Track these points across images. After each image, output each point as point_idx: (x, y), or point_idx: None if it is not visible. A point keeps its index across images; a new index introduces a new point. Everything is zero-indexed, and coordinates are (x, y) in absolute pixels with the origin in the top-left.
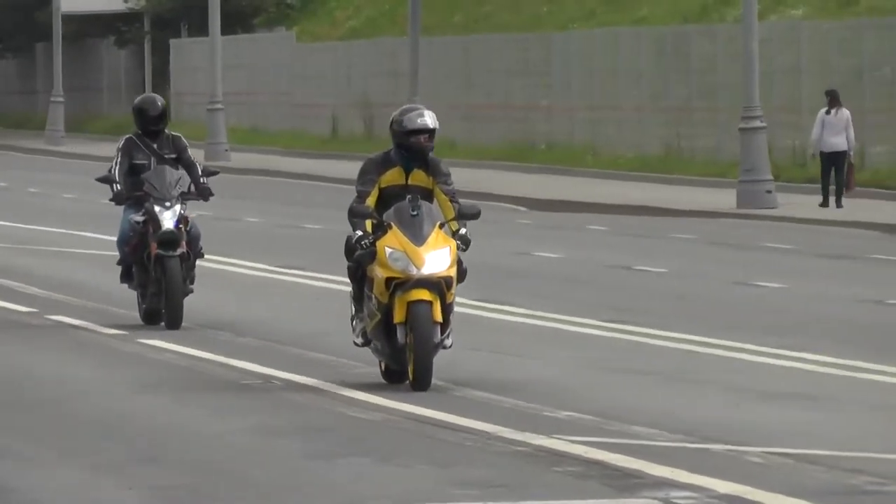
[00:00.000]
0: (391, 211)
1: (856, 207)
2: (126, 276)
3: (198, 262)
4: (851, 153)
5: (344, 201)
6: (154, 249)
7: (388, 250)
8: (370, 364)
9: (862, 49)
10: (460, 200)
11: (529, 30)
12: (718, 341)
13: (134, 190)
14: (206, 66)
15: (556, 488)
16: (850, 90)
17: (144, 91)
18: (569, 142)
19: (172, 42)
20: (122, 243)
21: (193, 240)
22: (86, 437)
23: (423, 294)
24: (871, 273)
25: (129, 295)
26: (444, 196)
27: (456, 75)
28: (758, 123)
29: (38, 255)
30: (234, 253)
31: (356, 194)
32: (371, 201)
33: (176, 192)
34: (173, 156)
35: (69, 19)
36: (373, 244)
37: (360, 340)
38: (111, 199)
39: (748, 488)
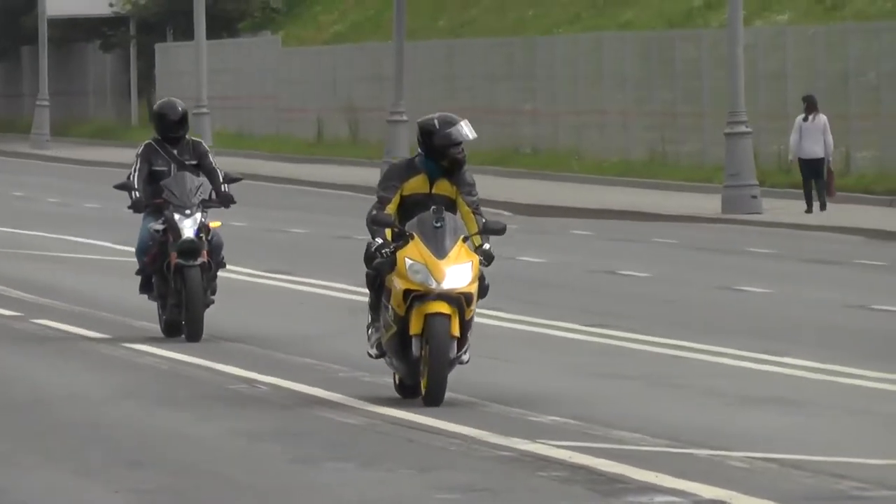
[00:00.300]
0: (414, 221)
1: (841, 213)
2: (145, 287)
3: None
4: (830, 159)
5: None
6: (174, 259)
7: (408, 261)
8: (354, 368)
9: (847, 54)
10: (484, 214)
11: (514, 34)
12: (702, 346)
13: (153, 197)
14: (192, 70)
15: (540, 493)
16: (836, 95)
17: (129, 96)
18: (553, 146)
19: (158, 46)
20: (140, 253)
21: (215, 249)
22: (71, 441)
23: (442, 307)
24: (855, 278)
25: (114, 298)
26: (466, 208)
27: (440, 80)
28: (743, 128)
29: (23, 259)
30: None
31: (377, 199)
32: (392, 208)
33: (196, 200)
34: (194, 162)
35: (55, 23)
36: (393, 253)
37: (374, 352)
38: (129, 207)
39: (732, 493)
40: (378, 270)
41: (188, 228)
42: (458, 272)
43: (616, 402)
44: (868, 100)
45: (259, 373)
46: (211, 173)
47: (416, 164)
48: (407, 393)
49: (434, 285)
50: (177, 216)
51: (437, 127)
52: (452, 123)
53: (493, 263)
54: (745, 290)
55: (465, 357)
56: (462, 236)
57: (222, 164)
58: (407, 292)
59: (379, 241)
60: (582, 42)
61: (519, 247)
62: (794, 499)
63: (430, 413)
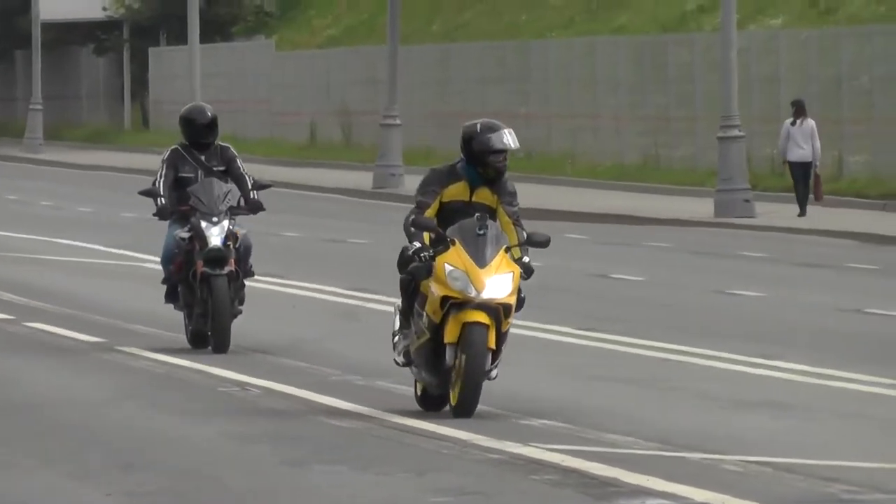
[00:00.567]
0: (455, 227)
1: (833, 216)
2: (171, 296)
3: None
4: (817, 163)
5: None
6: (200, 268)
7: (447, 267)
8: (347, 372)
9: (840, 58)
10: (525, 224)
11: (508, 38)
12: (695, 349)
13: (179, 204)
14: (185, 74)
15: (532, 496)
16: (829, 99)
17: (123, 100)
18: (547, 150)
19: (151, 50)
20: (166, 261)
21: (243, 258)
22: (64, 444)
23: (481, 317)
24: (848, 282)
25: (107, 301)
26: (507, 218)
27: (434, 83)
28: (736, 132)
29: (16, 262)
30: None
31: (415, 204)
32: (430, 214)
33: (224, 207)
34: (222, 168)
35: (48, 27)
36: (432, 258)
37: (401, 360)
38: (155, 214)
39: (725, 497)
40: (413, 275)
41: (215, 237)
42: (498, 282)
43: (609, 405)
44: (861, 104)
45: (252, 376)
46: (239, 179)
47: (458, 171)
48: (430, 405)
49: (473, 294)
50: (203, 224)
51: (479, 132)
52: (494, 130)
53: None
54: (738, 294)
55: (493, 372)
56: (504, 246)
57: None
58: (445, 299)
59: (417, 244)
60: (575, 46)
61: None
62: (786, 502)
63: (423, 416)
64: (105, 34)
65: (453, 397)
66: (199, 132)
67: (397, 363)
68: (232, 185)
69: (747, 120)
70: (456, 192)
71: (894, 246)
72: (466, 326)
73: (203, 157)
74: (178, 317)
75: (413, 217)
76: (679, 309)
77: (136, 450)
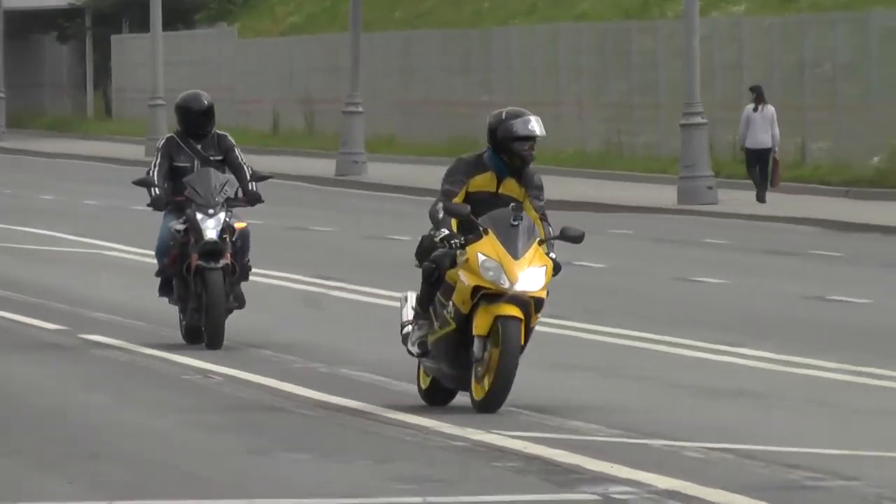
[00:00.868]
0: (487, 217)
1: (796, 203)
2: (165, 290)
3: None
4: (776, 149)
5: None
6: (195, 261)
7: (481, 257)
8: (309, 360)
9: (803, 45)
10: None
11: (470, 26)
12: (658, 337)
13: (174, 195)
14: (148, 62)
15: (495, 483)
16: (791, 86)
17: (86, 88)
18: None
19: (114, 38)
20: (160, 253)
21: (239, 252)
22: (27, 433)
23: (515, 310)
24: (811, 269)
25: (68, 289)
26: (534, 213)
27: (396, 71)
28: (698, 119)
29: None
30: None
31: (441, 192)
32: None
33: (221, 198)
34: (219, 157)
35: (11, 15)
36: (463, 246)
37: (416, 350)
38: (149, 205)
39: (687, 483)
40: (437, 264)
41: (211, 229)
42: (532, 275)
43: (571, 392)
44: (824, 91)
45: (215, 364)
46: (238, 170)
47: (484, 161)
48: (435, 399)
49: (507, 285)
50: (199, 215)
51: (504, 119)
52: (519, 116)
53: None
54: (701, 282)
55: None
56: (538, 239)
57: None
58: (476, 289)
59: (445, 231)
60: (538, 33)
61: None
62: (748, 489)
63: (386, 404)
64: (68, 22)
65: (477, 391)
66: (195, 120)
67: (411, 353)
68: (229, 176)
69: (710, 107)
70: (482, 182)
71: (857, 233)
72: (500, 320)
73: (200, 146)
74: (141, 305)
75: (443, 203)
76: (642, 296)
77: (98, 438)
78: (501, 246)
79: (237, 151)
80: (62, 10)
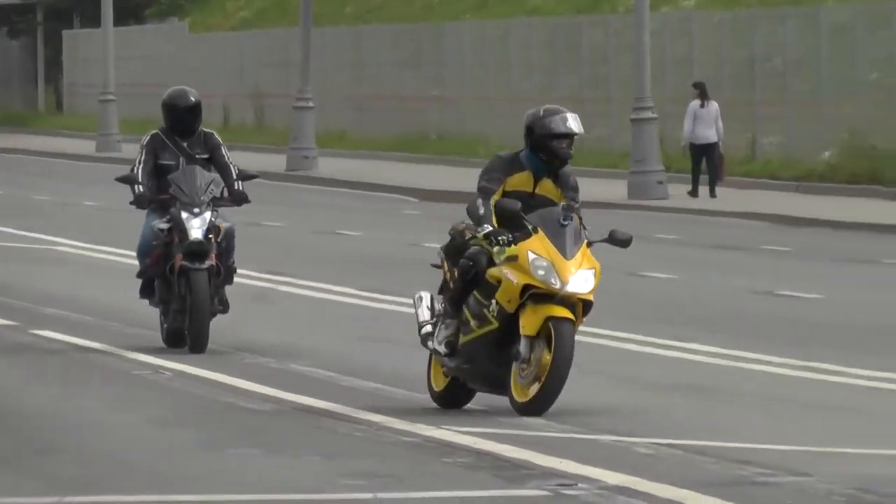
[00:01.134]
0: (535, 215)
1: (747, 198)
2: (146, 291)
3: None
4: (721, 144)
5: None
6: (179, 261)
7: (531, 255)
8: (260, 354)
9: (753, 40)
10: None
11: (421, 20)
12: (607, 332)
13: (158, 193)
14: (99, 57)
15: (445, 479)
16: (742, 81)
17: (37, 83)
18: (460, 132)
19: (65, 33)
20: (142, 253)
21: (224, 253)
22: None
23: (566, 312)
24: (761, 264)
25: (17, 284)
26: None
27: (347, 66)
28: (649, 114)
29: None
30: (119, 243)
31: (479, 189)
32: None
33: (206, 198)
34: (205, 155)
35: None
36: (510, 243)
37: (443, 349)
38: (132, 203)
39: (637, 479)
40: (475, 261)
41: (196, 229)
42: (583, 276)
43: None
44: (774, 86)
45: (165, 359)
46: (224, 168)
47: (521, 160)
48: (449, 402)
49: (558, 286)
50: (184, 214)
51: (541, 116)
52: (557, 113)
53: (393, 248)
54: (651, 276)
55: None
56: (586, 241)
57: (128, 151)
58: (526, 288)
59: (488, 227)
60: (489, 28)
61: (424, 233)
62: (698, 484)
63: (336, 399)
64: (19, 17)
65: (519, 391)
66: (181, 117)
67: (438, 353)
68: (215, 175)
69: (660, 102)
70: (519, 182)
71: (807, 227)
72: (552, 321)
73: (185, 144)
74: (92, 300)
75: (495, 200)
76: None
77: (50, 434)
78: (552, 245)
79: (224, 150)
80: (14, 5)
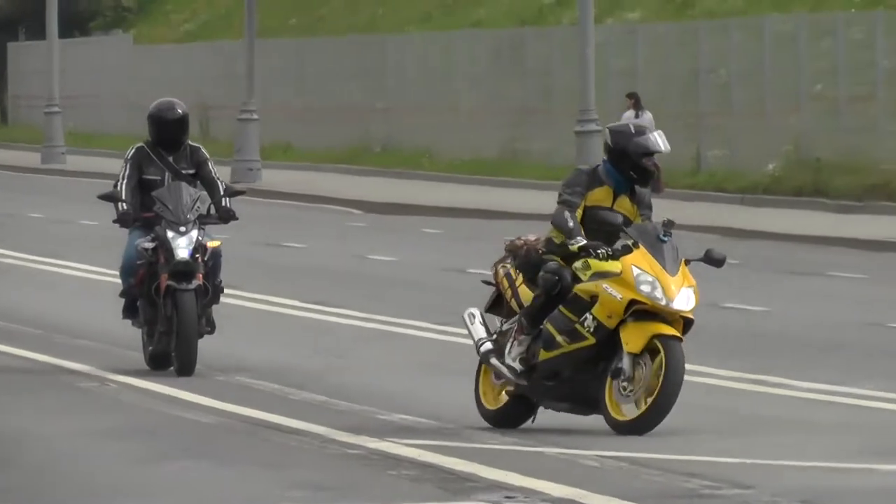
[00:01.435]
0: (633, 229)
1: (692, 210)
2: (129, 312)
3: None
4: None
5: None
6: (165, 282)
7: (636, 270)
8: (205, 367)
9: (698, 52)
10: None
11: (366, 32)
12: None
13: (143, 210)
14: (44, 69)
15: (390, 491)
16: (687, 93)
17: None
18: (404, 145)
19: (10, 45)
20: (126, 273)
21: (211, 273)
22: None
23: (673, 330)
24: (706, 276)
25: None
26: None
27: (292, 78)
28: (593, 126)
29: None
30: (68, 255)
31: (562, 202)
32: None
33: (193, 215)
34: (191, 171)
35: None
36: (610, 256)
37: (518, 366)
38: (115, 221)
39: (582, 492)
40: (560, 275)
41: (182, 248)
42: (686, 294)
43: (466, 400)
44: (719, 98)
45: (110, 371)
46: (211, 185)
47: (601, 175)
48: (507, 421)
49: (664, 302)
50: (170, 233)
51: (633, 133)
52: (645, 131)
53: (338, 261)
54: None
55: None
56: (683, 258)
57: (73, 163)
58: (631, 303)
59: (582, 240)
60: (433, 40)
61: (369, 245)
62: (643, 497)
63: (280, 411)
64: None
65: (615, 409)
66: (167, 130)
67: (516, 371)
68: (202, 191)
69: (605, 114)
70: (599, 197)
71: (753, 240)
72: (661, 340)
73: (171, 159)
74: (36, 311)
75: (600, 213)
76: None
77: None
78: (655, 261)
79: (210, 165)
80: None
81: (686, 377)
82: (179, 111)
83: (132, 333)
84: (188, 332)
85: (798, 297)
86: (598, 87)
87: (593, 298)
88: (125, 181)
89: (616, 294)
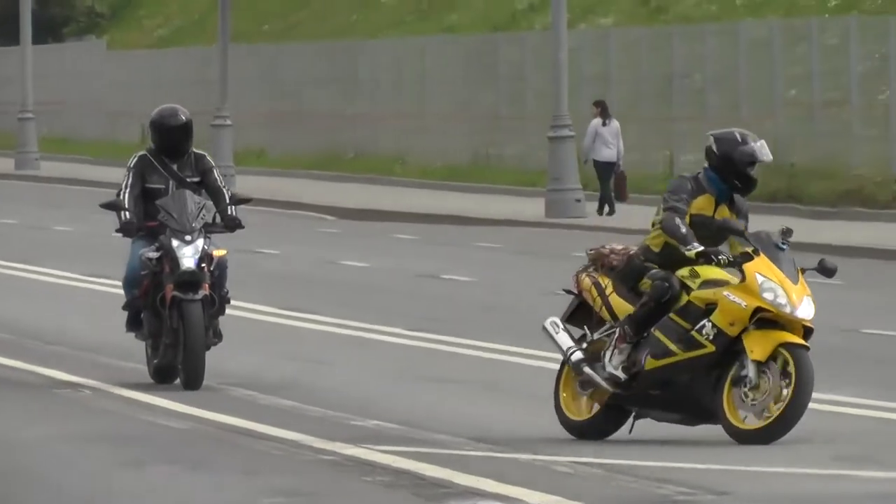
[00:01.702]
0: (751, 236)
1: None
2: (133, 324)
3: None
4: (621, 162)
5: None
6: (170, 292)
7: (759, 277)
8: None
9: (671, 57)
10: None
11: (339, 38)
12: (527, 350)
13: (147, 219)
14: (17, 75)
15: (364, 497)
16: (661, 98)
17: None
18: (377, 151)
19: None
20: (129, 284)
21: (218, 282)
22: None
23: (799, 339)
24: None
25: None
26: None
27: (265, 84)
28: (566, 132)
29: None
30: (41, 261)
31: (669, 208)
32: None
33: (198, 224)
34: (196, 179)
35: None
36: (731, 263)
37: (622, 375)
38: (118, 231)
39: (557, 498)
40: (670, 282)
41: (188, 258)
42: (808, 303)
43: (441, 406)
44: (693, 102)
45: (83, 377)
46: (216, 193)
47: (702, 183)
48: (594, 433)
49: (788, 310)
50: (175, 242)
51: (740, 142)
52: (749, 140)
53: (311, 267)
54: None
55: None
56: (800, 267)
57: (47, 169)
58: (756, 311)
59: (697, 246)
60: (406, 46)
61: (342, 251)
62: (617, 503)
63: (254, 417)
64: None
65: (734, 415)
66: (170, 137)
67: (618, 380)
68: (207, 200)
69: (578, 119)
70: (702, 205)
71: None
72: (788, 348)
73: (175, 167)
74: (9, 316)
75: (718, 220)
76: (507, 310)
77: None
78: (777, 268)
79: (216, 173)
80: None
81: None
82: (183, 117)
83: (105, 339)
84: (195, 344)
85: None
86: (571, 92)
87: (708, 306)
88: (128, 190)
89: (740, 301)
